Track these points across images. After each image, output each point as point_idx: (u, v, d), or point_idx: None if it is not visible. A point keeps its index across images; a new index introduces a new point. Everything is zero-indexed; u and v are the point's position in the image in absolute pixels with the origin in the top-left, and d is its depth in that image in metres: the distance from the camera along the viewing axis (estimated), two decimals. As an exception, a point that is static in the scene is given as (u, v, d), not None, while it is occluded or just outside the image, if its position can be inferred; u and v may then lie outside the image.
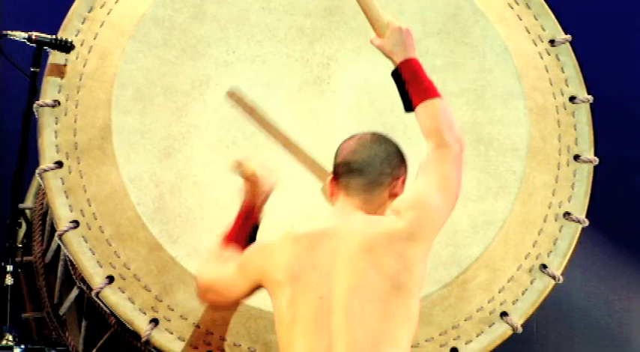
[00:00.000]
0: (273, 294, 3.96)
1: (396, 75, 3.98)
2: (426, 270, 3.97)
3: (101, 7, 4.57)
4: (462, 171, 4.03)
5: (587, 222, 4.54)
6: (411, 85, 3.99)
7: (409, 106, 3.94)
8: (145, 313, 4.28)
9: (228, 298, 4.13)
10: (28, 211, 5.12)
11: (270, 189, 4.28)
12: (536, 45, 4.80)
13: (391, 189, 3.94)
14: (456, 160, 3.97)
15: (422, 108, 3.92)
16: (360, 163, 3.97)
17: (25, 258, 4.98)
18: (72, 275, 4.60)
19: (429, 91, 3.93)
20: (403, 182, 3.97)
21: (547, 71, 4.76)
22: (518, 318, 4.41)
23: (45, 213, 4.89)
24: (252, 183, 4.23)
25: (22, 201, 5.02)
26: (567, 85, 4.75)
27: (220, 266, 4.20)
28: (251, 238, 4.17)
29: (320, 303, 3.87)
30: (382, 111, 4.39)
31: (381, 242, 3.86)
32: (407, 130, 4.24)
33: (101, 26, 4.55)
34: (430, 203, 3.95)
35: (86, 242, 4.31)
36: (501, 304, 4.46)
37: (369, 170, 3.97)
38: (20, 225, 4.98)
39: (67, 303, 4.78)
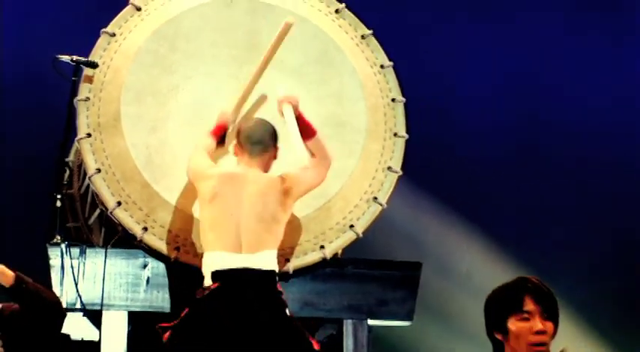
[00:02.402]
0: (201, 205, 4.62)
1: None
2: (291, 208, 4.65)
3: (115, 42, 5.09)
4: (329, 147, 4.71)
5: (401, 172, 5.17)
6: (303, 128, 4.65)
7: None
8: (139, 224, 4.87)
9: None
10: (70, 163, 5.47)
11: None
12: (372, 68, 5.32)
13: (274, 153, 4.72)
14: (328, 167, 4.75)
15: (312, 142, 4.70)
16: (258, 137, 4.70)
17: (68, 191, 5.39)
18: (96, 201, 5.12)
19: (312, 131, 4.70)
20: (277, 148, 4.73)
21: (378, 83, 5.31)
22: (360, 229, 5.05)
23: (80, 164, 5.31)
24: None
25: (67, 156, 5.39)
26: (390, 92, 5.31)
27: (196, 159, 4.72)
28: (222, 138, 4.82)
29: (231, 218, 4.51)
30: (275, 106, 4.80)
31: (270, 191, 4.60)
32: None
33: (115, 53, 5.09)
34: (304, 183, 4.68)
35: (104, 181, 4.91)
36: (350, 220, 5.08)
37: (263, 142, 4.70)
38: (65, 171, 5.36)
39: (93, 218, 5.28)
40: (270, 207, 4.53)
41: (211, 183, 4.55)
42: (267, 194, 4.54)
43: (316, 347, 4.56)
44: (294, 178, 4.60)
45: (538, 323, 3.54)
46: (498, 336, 3.58)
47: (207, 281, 4.43)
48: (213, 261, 4.44)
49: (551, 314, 3.58)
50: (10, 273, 4.30)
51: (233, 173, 4.61)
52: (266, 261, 4.47)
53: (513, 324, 3.57)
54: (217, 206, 4.54)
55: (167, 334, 4.45)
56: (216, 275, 4.40)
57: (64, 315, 4.51)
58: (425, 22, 7.10)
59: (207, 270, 4.45)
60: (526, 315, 3.54)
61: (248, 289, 4.42)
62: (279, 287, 4.53)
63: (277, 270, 4.52)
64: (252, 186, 4.55)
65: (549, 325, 3.56)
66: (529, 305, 3.55)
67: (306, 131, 4.62)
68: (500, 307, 3.60)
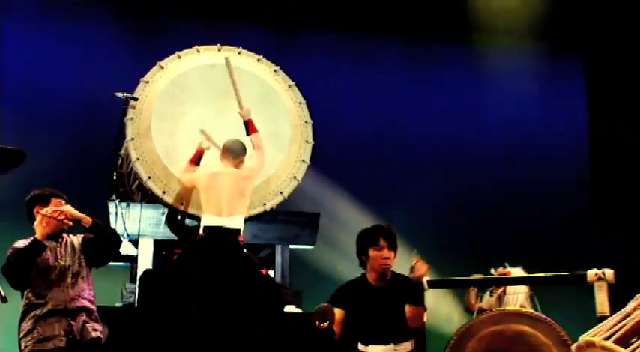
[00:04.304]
0: (200, 191, 5.50)
1: (245, 123, 5.71)
2: (252, 186, 5.28)
3: (148, 86, 6.04)
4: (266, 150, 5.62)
5: (309, 163, 6.15)
6: (250, 128, 5.66)
7: (248, 134, 5.65)
8: (160, 190, 5.87)
9: (190, 186, 5.63)
10: (122, 154, 6.21)
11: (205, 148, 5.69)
12: (294, 104, 6.27)
13: (242, 158, 5.53)
14: (262, 155, 5.57)
15: (254, 135, 5.61)
16: (233, 150, 5.55)
17: (120, 170, 6.25)
18: (136, 176, 6.01)
19: (254, 129, 5.63)
20: (245, 155, 5.47)
21: (297, 112, 6.25)
22: (286, 194, 6.09)
23: (127, 155, 6.07)
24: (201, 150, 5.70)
25: (120, 151, 6.24)
26: (305, 117, 6.26)
27: (186, 175, 5.60)
28: (198, 161, 5.64)
29: (217, 196, 5.33)
30: (241, 126, 5.76)
31: (238, 179, 5.43)
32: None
33: (148, 92, 6.05)
34: (255, 169, 5.53)
35: (141, 165, 5.88)
36: (280, 189, 6.07)
37: (236, 152, 5.55)
38: (119, 159, 6.22)
39: (134, 186, 6.18)
40: (239, 187, 5.43)
41: (204, 180, 5.47)
42: (236, 181, 5.46)
43: (264, 272, 5.30)
44: (250, 170, 5.53)
45: (386, 252, 4.45)
46: (364, 258, 4.54)
47: (201, 232, 5.31)
48: (205, 220, 5.35)
49: (394, 247, 4.49)
50: (89, 218, 4.75)
51: (217, 171, 5.57)
52: (235, 222, 5.30)
53: (372, 252, 4.47)
54: (210, 191, 5.42)
55: (175, 256, 5.48)
56: (205, 229, 5.31)
57: (121, 242, 4.97)
58: (325, 78, 8.23)
59: (202, 225, 5.33)
60: (379, 248, 4.45)
61: (222, 238, 5.23)
62: (241, 238, 5.37)
63: (242, 229, 5.29)
64: (228, 178, 5.50)
65: (392, 254, 4.49)
66: (382, 242, 4.46)
67: (252, 129, 5.65)
68: (366, 242, 4.50)
